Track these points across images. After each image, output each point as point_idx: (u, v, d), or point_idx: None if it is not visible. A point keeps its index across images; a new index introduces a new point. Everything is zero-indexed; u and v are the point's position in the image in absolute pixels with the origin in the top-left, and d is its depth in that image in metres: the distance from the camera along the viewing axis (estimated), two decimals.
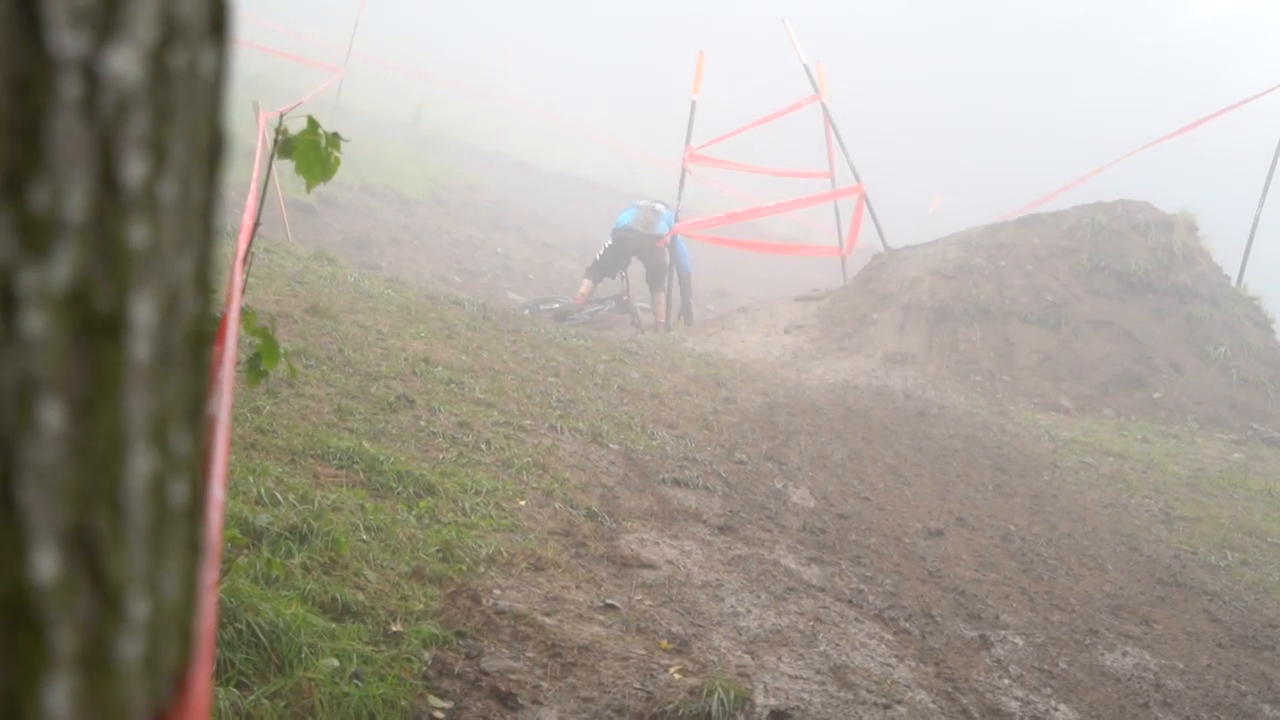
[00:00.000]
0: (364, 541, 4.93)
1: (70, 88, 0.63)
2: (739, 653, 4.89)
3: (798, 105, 17.26)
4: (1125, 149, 19.93)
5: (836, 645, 5.18)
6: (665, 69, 32.13)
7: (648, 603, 5.22)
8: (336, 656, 3.96)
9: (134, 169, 0.66)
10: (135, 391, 0.67)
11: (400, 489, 5.70)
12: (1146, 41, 50.26)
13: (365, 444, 6.09)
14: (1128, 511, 8.77)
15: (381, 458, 5.94)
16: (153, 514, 0.69)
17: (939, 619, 5.92)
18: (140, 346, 0.67)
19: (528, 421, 7.66)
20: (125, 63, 0.65)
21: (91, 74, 0.64)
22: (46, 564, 0.61)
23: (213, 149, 0.76)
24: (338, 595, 4.35)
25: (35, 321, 0.61)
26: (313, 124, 3.14)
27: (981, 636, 5.82)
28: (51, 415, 0.61)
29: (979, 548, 7.40)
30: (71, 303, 0.62)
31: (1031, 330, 14.00)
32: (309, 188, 3.22)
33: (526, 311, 14.61)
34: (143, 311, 0.67)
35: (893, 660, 5.21)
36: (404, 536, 5.12)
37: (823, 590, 5.92)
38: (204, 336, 0.76)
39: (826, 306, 15.49)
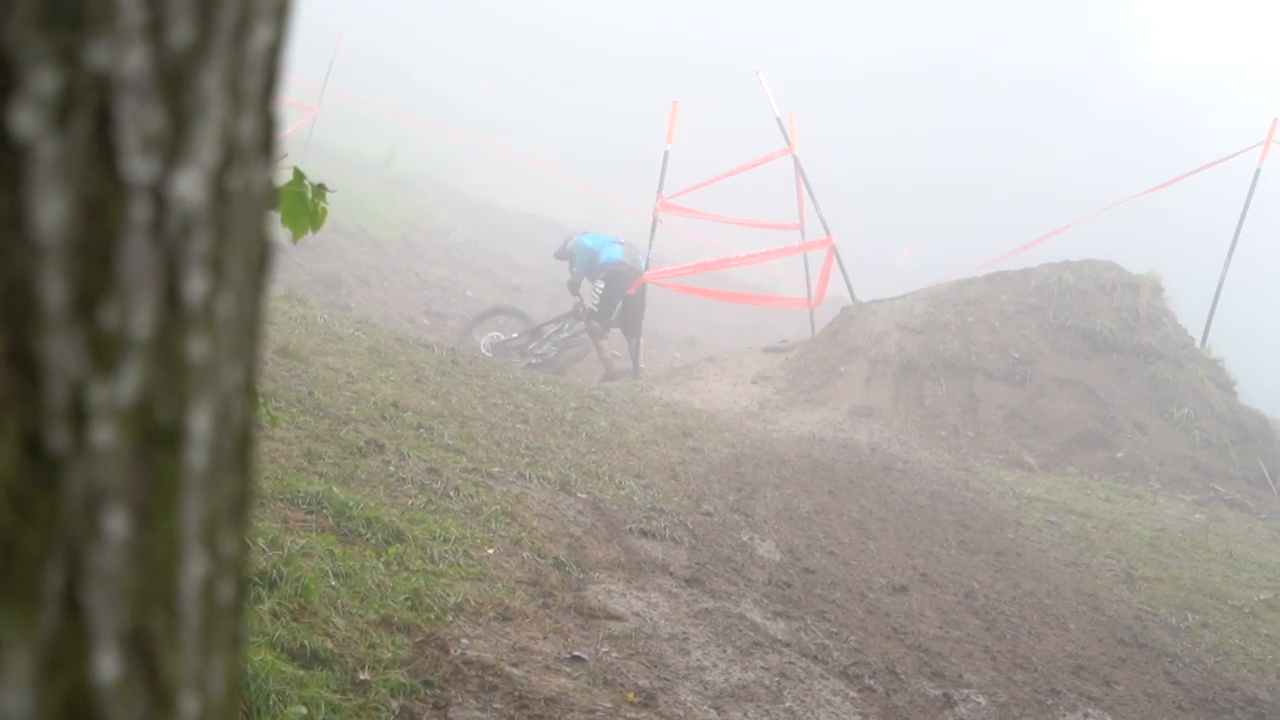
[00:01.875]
0: (333, 588, 4.89)
1: (140, 211, 0.66)
2: (705, 707, 4.87)
3: (770, 158, 17.29)
4: (1092, 207, 20.16)
5: (802, 702, 5.18)
6: (639, 115, 32.20)
7: (614, 655, 5.19)
8: (305, 704, 3.93)
9: (196, 286, 0.69)
10: (191, 498, 0.70)
11: (369, 535, 5.65)
12: (1115, 100, 50.79)
13: (335, 489, 6.04)
14: (1090, 571, 8.81)
15: (351, 503, 5.89)
16: (203, 614, 0.72)
17: (903, 676, 5.93)
18: (197, 455, 0.70)
19: (496, 468, 7.64)
20: (190, 185, 0.69)
21: (160, 197, 0.67)
22: (108, 665, 0.63)
23: (262, 261, 0.80)
24: (306, 642, 4.31)
25: (103, 434, 0.64)
26: (299, 175, 3.15)
27: (945, 695, 5.83)
28: (116, 523, 0.64)
29: (943, 604, 7.42)
30: (136, 415, 0.66)
31: (997, 386, 14.08)
32: (295, 239, 3.23)
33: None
34: (200, 422, 0.70)
35: (857, 718, 5.22)
36: (373, 583, 5.07)
37: (788, 645, 5.91)
38: (250, 441, 0.79)
39: (794, 358, 15.54)
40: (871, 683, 5.72)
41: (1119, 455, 13.32)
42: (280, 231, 3.15)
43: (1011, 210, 38.93)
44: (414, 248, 21.47)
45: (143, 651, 0.65)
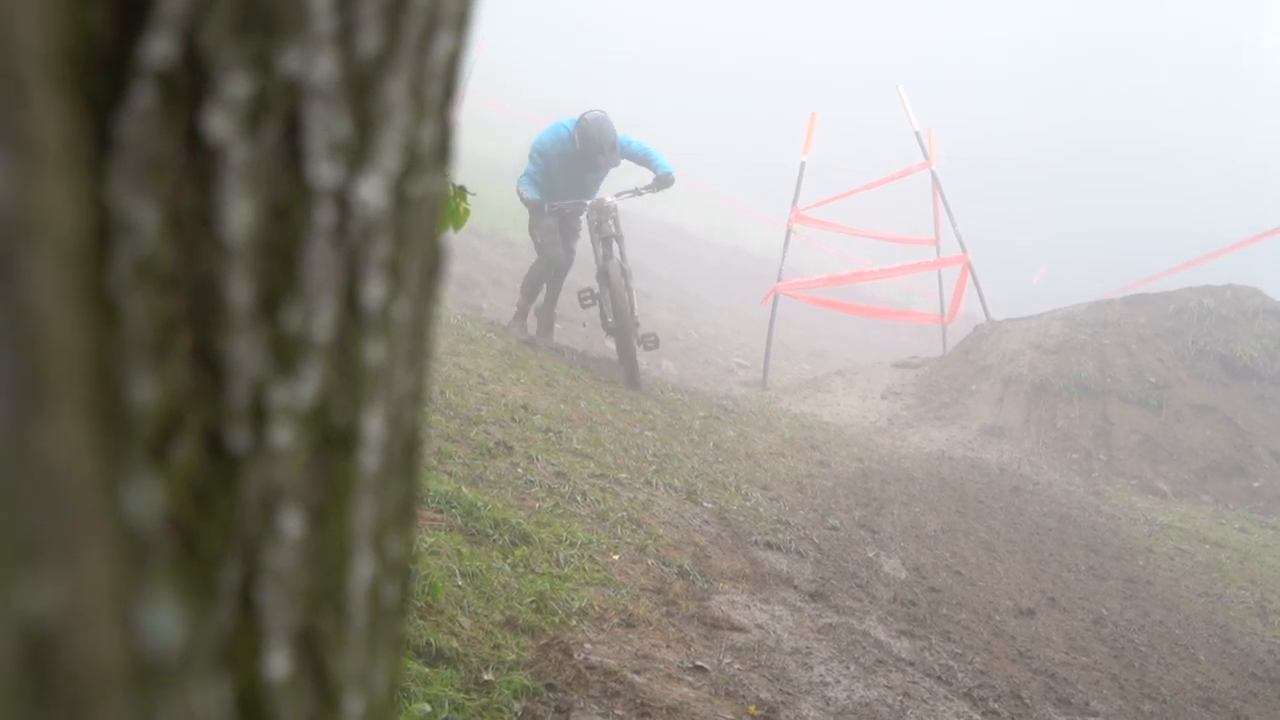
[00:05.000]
0: (459, 587, 4.96)
1: (325, 215, 0.67)
2: None
3: (908, 171, 17.04)
4: (1231, 236, 19.65)
5: None
6: (767, 125, 32.04)
7: (737, 666, 5.19)
8: (429, 702, 3.99)
9: (375, 291, 0.71)
10: (363, 500, 0.71)
11: (496, 536, 5.73)
12: (1266, 125, 49.42)
13: (464, 489, 6.14)
14: (1222, 602, 8.58)
15: (479, 504, 5.97)
16: (369, 615, 0.74)
17: (1028, 701, 5.85)
18: (370, 458, 0.71)
19: (623, 475, 7.68)
20: (373, 191, 0.70)
21: (344, 202, 0.68)
22: (279, 663, 0.65)
23: (435, 267, 0.81)
24: (432, 640, 4.37)
25: (283, 435, 0.65)
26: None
27: None
28: (291, 523, 0.66)
29: (1070, 630, 7.29)
30: (314, 417, 0.67)
31: (1131, 410, 13.79)
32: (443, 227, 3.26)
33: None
34: (374, 425, 0.71)
35: None
36: (498, 584, 5.14)
37: (912, 665, 5.87)
38: (419, 445, 0.80)
39: (925, 374, 15.38)
40: (996, 706, 5.64)
41: (1256, 485, 12.93)
42: None
43: (1151, 236, 38.11)
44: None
45: (312, 650, 0.67)
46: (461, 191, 3.21)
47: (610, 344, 12.42)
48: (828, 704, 5.07)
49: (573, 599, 5.23)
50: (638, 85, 45.46)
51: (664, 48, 49.71)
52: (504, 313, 15.51)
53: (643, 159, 12.33)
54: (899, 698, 5.33)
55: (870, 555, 7.81)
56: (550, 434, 8.12)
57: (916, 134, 16.61)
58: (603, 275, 12.02)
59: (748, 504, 8.00)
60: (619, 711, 4.41)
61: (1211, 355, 14.43)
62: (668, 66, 49.44)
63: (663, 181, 12.20)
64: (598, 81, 44.92)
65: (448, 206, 3.19)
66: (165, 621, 0.59)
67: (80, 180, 0.55)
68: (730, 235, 30.62)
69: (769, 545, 7.20)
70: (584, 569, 5.70)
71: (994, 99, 48.77)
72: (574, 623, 5.04)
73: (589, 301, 12.47)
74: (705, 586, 6.10)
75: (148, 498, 0.58)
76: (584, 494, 6.88)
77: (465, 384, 8.60)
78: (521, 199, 12.22)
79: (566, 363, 11.34)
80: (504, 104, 31.39)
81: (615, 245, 11.97)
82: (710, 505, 7.68)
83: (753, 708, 4.81)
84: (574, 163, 12.09)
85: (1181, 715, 6.25)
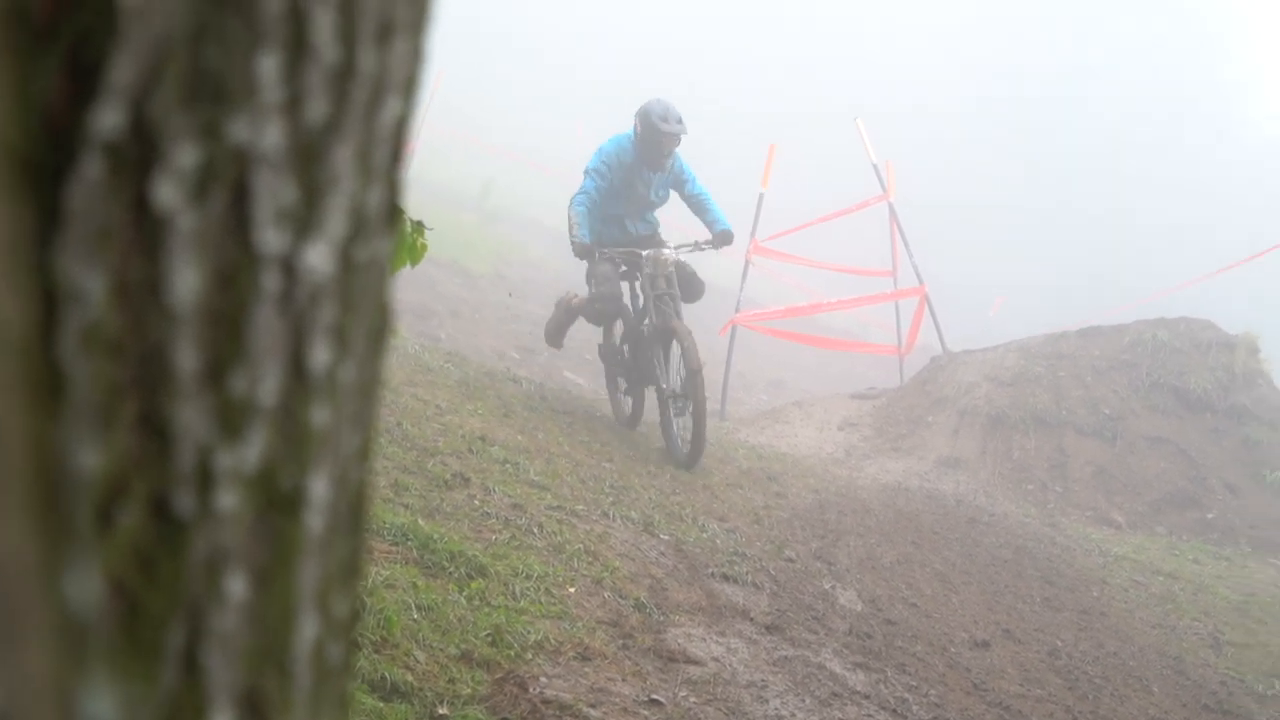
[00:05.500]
0: (415, 621, 4.95)
1: (271, 282, 0.69)
2: None
3: (866, 204, 17.26)
4: (1190, 270, 19.92)
5: None
6: (729, 160, 32.21)
7: (693, 699, 5.20)
8: None
9: (320, 356, 0.72)
10: (308, 561, 0.72)
11: (452, 569, 5.71)
12: (1225, 157, 50.06)
13: (420, 521, 6.13)
14: (1176, 633, 8.68)
15: (435, 536, 5.95)
16: (314, 675, 0.74)
17: None
18: (315, 520, 0.72)
19: (580, 506, 7.69)
20: (319, 257, 0.71)
21: (290, 268, 0.69)
22: None
23: (381, 330, 0.82)
24: (387, 674, 4.36)
25: (228, 499, 0.66)
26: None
27: None
28: (236, 585, 0.67)
29: (1025, 662, 7.34)
30: (259, 480, 0.68)
31: (1087, 442, 13.91)
32: (392, 273, 3.25)
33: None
34: (319, 487, 0.72)
35: None
36: (454, 617, 5.12)
37: (867, 697, 5.90)
38: (364, 504, 0.81)
39: (882, 406, 15.50)
40: None
41: (1209, 516, 13.08)
42: None
43: (1109, 268, 38.52)
44: (506, 281, 21.68)
45: (256, 711, 0.67)
46: (419, 227, 3.22)
47: (610, 392, 11.97)
48: None
49: (528, 632, 5.23)
50: (593, 117, 45.76)
51: (616, 80, 50.06)
52: (461, 343, 15.52)
53: (700, 206, 11.34)
54: None
55: (826, 587, 7.84)
56: (508, 465, 8.12)
57: (875, 166, 16.78)
58: (663, 333, 10.63)
59: (704, 535, 8.04)
60: None
61: (1165, 387, 14.62)
62: (621, 98, 49.79)
63: (724, 238, 11.20)
64: (556, 113, 45.11)
65: (404, 243, 3.20)
66: (107, 706, 0.59)
67: (24, 272, 0.56)
68: (694, 262, 30.83)
69: (725, 577, 7.23)
70: (540, 602, 5.70)
71: (954, 133, 49.26)
72: (530, 656, 5.05)
73: (680, 404, 10.58)
74: (661, 619, 6.12)
75: (89, 583, 0.59)
76: (541, 526, 6.89)
77: (423, 415, 8.60)
78: (571, 236, 10.62)
79: (524, 393, 11.35)
80: (462, 132, 31.37)
81: (670, 305, 10.65)
82: (667, 537, 7.71)
83: None
84: (633, 175, 10.89)
85: None
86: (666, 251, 10.75)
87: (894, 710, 5.84)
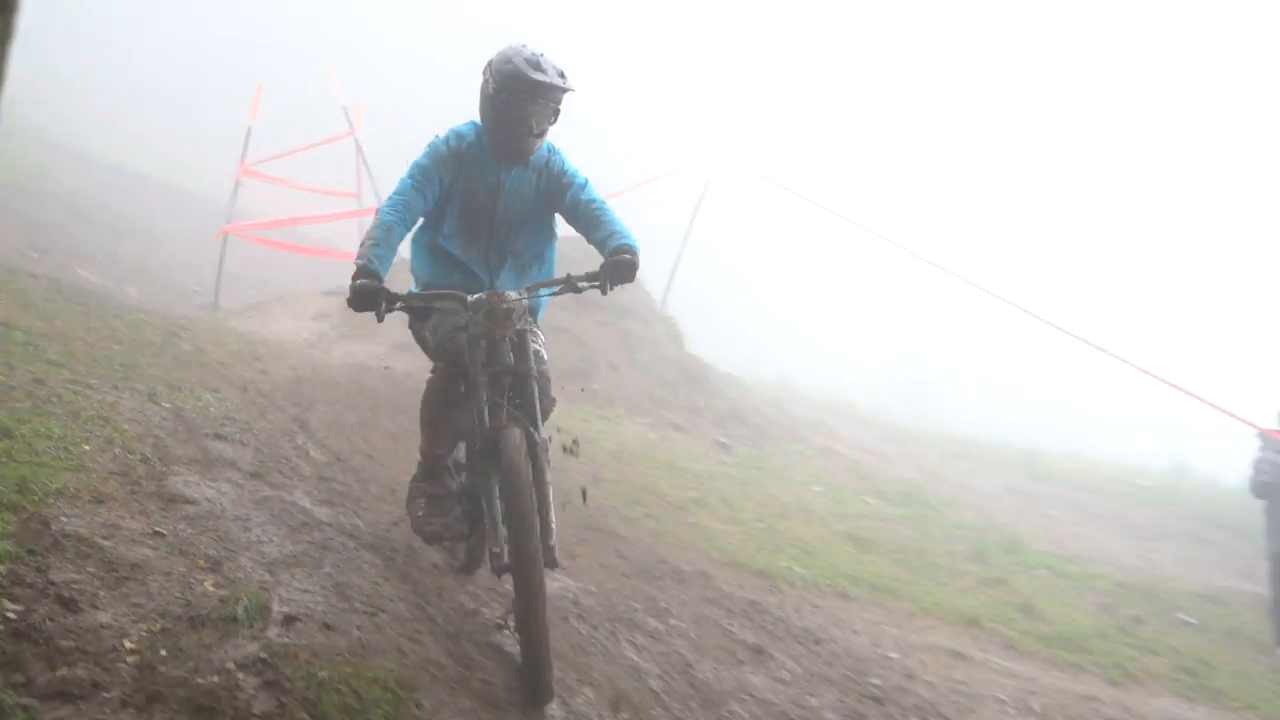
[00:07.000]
0: None
1: None
2: (261, 572, 5.52)
3: (334, 139, 20.30)
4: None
5: (338, 568, 5.95)
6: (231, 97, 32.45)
7: (189, 531, 5.71)
8: None
9: None
10: None
11: None
12: None
13: None
14: (566, 474, 9.03)
15: None
16: None
17: (417, 550, 7.04)
18: None
19: (94, 380, 8.03)
20: None
21: None
22: None
23: None
24: None
25: None
26: None
27: (435, 566, 7.01)
28: None
29: None
30: None
31: None
32: None
33: None
34: None
35: (380, 580, 6.05)
36: None
37: (330, 525, 6.70)
38: None
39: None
40: (392, 555, 6.75)
41: (596, 387, 16.35)
42: None
43: None
44: (23, 191, 21.56)
45: None
46: None
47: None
48: (262, 557, 5.75)
49: (51, 482, 5.56)
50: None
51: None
52: None
53: (592, 220, 6.31)
54: (319, 550, 6.13)
55: (300, 443, 8.72)
56: (29, 347, 8.58)
57: (344, 109, 19.78)
58: (486, 453, 5.91)
59: (200, 404, 8.61)
60: (90, 569, 4.80)
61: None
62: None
63: (619, 267, 5.96)
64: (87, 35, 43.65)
65: None
66: None
67: None
68: (184, 180, 31.96)
69: (217, 436, 7.80)
70: (60, 458, 6.04)
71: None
72: (52, 501, 5.36)
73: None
74: (163, 470, 6.58)
75: None
76: (59, 396, 7.32)
77: None
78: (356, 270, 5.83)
79: (43, 287, 11.85)
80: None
81: (523, 385, 6.11)
82: (168, 405, 8.16)
83: (201, 562, 5.36)
84: (479, 174, 6.34)
85: None
86: (511, 293, 6.00)
87: (350, 534, 6.78)
